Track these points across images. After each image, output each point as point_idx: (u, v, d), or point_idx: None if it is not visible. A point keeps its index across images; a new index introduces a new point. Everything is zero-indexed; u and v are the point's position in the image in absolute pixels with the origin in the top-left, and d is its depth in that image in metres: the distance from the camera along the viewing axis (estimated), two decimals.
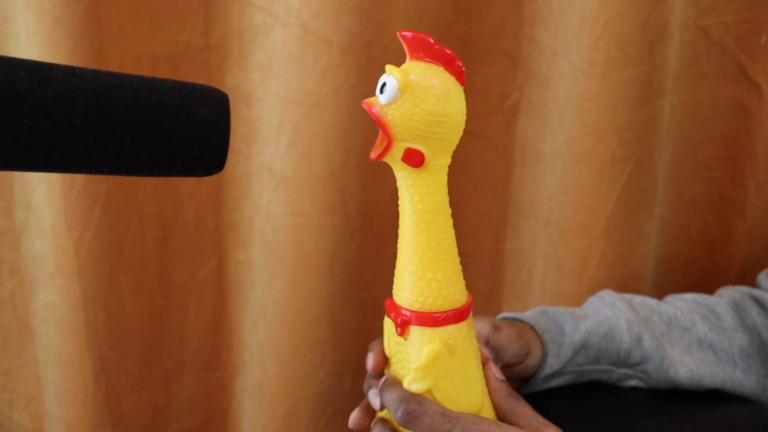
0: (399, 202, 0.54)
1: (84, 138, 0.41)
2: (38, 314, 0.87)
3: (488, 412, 0.57)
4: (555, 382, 0.70)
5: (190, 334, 0.92)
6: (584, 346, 0.69)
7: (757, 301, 0.77)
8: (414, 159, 0.52)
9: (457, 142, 0.53)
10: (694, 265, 0.93)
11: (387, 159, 0.52)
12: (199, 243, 0.89)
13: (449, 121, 0.51)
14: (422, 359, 0.53)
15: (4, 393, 0.92)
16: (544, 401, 0.70)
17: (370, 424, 0.60)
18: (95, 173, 0.44)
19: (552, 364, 0.68)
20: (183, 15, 0.81)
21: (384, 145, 0.51)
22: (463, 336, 0.55)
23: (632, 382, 0.73)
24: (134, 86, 0.43)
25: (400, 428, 0.55)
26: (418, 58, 0.52)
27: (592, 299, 0.77)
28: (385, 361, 0.59)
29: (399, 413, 0.53)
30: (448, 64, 0.52)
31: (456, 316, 0.55)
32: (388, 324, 0.57)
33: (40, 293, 0.86)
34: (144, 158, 0.43)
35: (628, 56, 0.78)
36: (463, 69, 0.52)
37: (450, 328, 0.54)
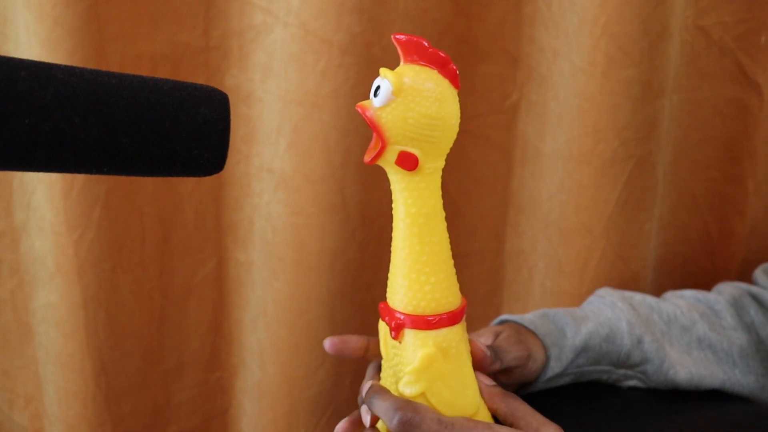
0: (393, 206, 0.54)
1: (84, 138, 0.41)
2: (38, 314, 0.87)
3: (484, 415, 0.57)
4: (555, 384, 0.70)
5: (190, 334, 0.92)
6: (585, 349, 0.69)
7: (756, 299, 0.77)
8: (408, 162, 0.52)
9: (450, 146, 0.53)
10: (694, 265, 0.93)
11: (381, 162, 0.52)
12: (199, 243, 0.89)
13: (443, 125, 0.52)
14: (416, 363, 0.54)
15: (4, 393, 0.92)
16: (543, 401, 0.70)
17: None
18: (95, 173, 0.44)
19: (553, 367, 0.68)
20: (183, 15, 0.81)
21: (378, 149, 0.52)
22: (457, 339, 0.55)
23: (631, 383, 0.73)
24: (134, 86, 0.43)
25: None
26: (412, 61, 0.52)
27: (592, 298, 0.77)
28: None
29: (395, 422, 0.52)
30: (442, 67, 0.52)
31: (450, 319, 0.55)
32: (384, 327, 0.57)
33: (40, 293, 0.86)
34: (144, 158, 0.43)
35: (628, 56, 0.78)
36: (458, 72, 0.52)
37: (444, 331, 0.54)
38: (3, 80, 0.39)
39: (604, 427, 0.69)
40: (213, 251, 0.90)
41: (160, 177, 0.46)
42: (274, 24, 0.80)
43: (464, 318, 0.57)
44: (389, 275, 0.56)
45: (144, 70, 0.81)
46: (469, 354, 0.57)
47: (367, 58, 0.79)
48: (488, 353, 0.61)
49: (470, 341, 0.59)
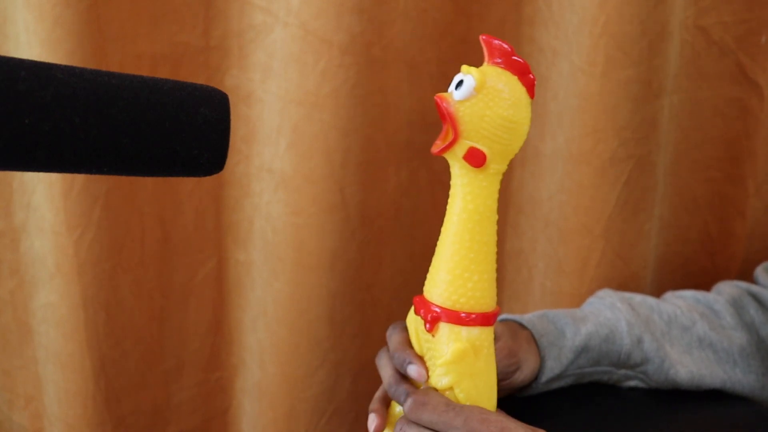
0: (449, 200, 0.55)
1: (84, 138, 0.41)
2: (38, 314, 0.87)
3: None
4: (555, 385, 0.70)
5: (190, 334, 0.92)
6: (585, 349, 0.69)
7: (756, 298, 0.77)
8: (476, 158, 0.53)
9: (517, 152, 0.54)
10: (694, 265, 0.93)
11: (448, 155, 0.54)
12: (199, 243, 0.89)
13: (516, 128, 0.53)
14: (448, 355, 0.54)
15: (4, 393, 0.92)
16: (543, 402, 0.70)
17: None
18: (95, 173, 0.44)
19: (552, 368, 0.68)
20: (183, 15, 0.81)
21: (449, 140, 0.52)
22: (489, 341, 0.56)
23: (632, 383, 0.73)
24: (134, 86, 0.43)
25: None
26: (495, 64, 0.54)
27: (591, 299, 0.77)
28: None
29: (408, 402, 0.55)
30: (522, 74, 0.53)
31: (484, 319, 0.55)
32: (415, 321, 0.57)
33: (40, 293, 0.86)
34: (144, 158, 0.43)
35: (628, 56, 0.78)
36: (535, 82, 0.54)
37: (476, 331, 0.55)
38: (3, 80, 0.39)
39: (605, 428, 0.69)
40: (213, 251, 0.90)
41: (160, 177, 0.46)
42: (274, 24, 0.80)
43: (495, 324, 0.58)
44: (431, 268, 0.56)
45: (144, 70, 0.81)
46: (495, 359, 0.58)
47: (367, 58, 0.79)
48: None
49: None
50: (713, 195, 0.91)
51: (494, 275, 0.56)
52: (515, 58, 0.53)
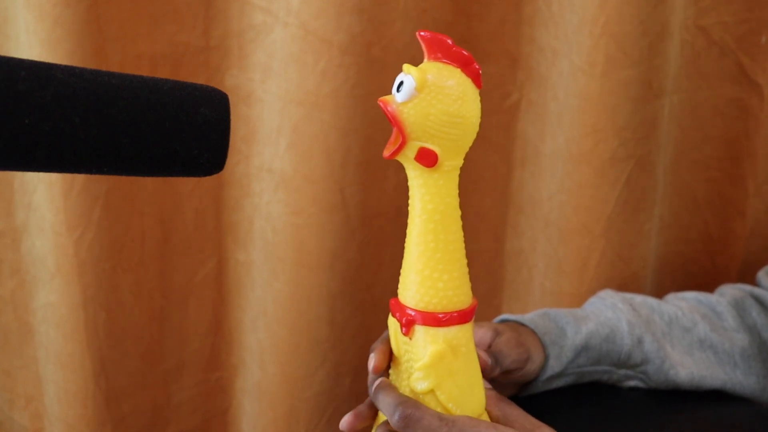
0: (409, 202, 0.55)
1: (84, 138, 0.41)
2: (38, 314, 0.87)
3: (485, 417, 0.57)
4: (555, 384, 0.70)
5: (190, 334, 0.92)
6: (585, 348, 0.69)
7: (758, 300, 0.77)
8: (427, 158, 0.52)
9: (470, 144, 0.54)
10: (695, 265, 0.93)
11: (400, 157, 0.53)
12: (199, 243, 0.89)
13: (464, 123, 0.52)
14: (426, 359, 0.54)
15: (4, 393, 0.92)
16: (543, 402, 0.70)
17: (359, 429, 0.60)
18: (95, 173, 0.44)
19: (553, 366, 0.68)
20: (183, 15, 0.81)
21: (398, 144, 0.52)
22: (467, 338, 0.55)
23: (632, 383, 0.73)
24: (134, 86, 0.43)
25: None
26: (436, 59, 0.52)
27: (592, 299, 0.77)
28: (386, 361, 0.59)
29: (396, 417, 0.53)
30: (465, 65, 0.52)
31: (460, 317, 0.55)
32: (394, 324, 0.57)
33: (40, 293, 0.86)
34: (144, 158, 0.43)
35: (628, 56, 0.78)
36: (480, 72, 0.53)
37: (454, 329, 0.54)
38: (3, 80, 0.39)
39: (605, 428, 0.69)
40: (213, 251, 0.90)
41: (160, 177, 0.46)
42: (274, 24, 0.80)
43: (473, 318, 0.57)
44: (402, 271, 0.56)
45: (144, 70, 0.81)
46: (476, 354, 0.57)
47: (367, 58, 0.79)
48: (489, 360, 0.61)
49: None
50: (713, 195, 0.91)
51: (466, 270, 0.55)
52: (456, 50, 0.52)
